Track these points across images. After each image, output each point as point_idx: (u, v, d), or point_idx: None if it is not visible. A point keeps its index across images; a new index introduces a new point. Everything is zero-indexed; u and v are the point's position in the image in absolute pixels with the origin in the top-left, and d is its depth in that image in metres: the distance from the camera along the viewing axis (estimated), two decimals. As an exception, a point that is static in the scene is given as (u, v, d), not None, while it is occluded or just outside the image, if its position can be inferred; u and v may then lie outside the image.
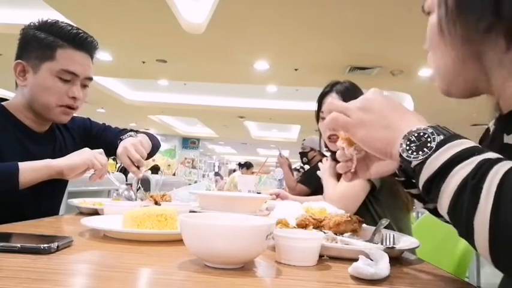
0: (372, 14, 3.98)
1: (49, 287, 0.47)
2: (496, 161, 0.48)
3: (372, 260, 0.61)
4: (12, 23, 4.69)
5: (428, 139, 0.54)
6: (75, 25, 1.27)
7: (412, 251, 0.89)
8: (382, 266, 0.58)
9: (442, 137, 0.54)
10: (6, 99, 1.31)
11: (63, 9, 4.20)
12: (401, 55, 5.09)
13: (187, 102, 9.01)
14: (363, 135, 0.64)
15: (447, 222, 0.80)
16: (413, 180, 0.60)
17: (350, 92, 1.59)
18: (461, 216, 0.48)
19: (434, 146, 0.53)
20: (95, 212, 1.19)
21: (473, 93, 0.69)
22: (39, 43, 1.21)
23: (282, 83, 7.08)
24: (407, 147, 0.56)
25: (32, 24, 1.25)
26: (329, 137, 1.59)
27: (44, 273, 0.53)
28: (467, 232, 0.48)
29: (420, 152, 0.54)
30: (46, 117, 1.28)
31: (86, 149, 1.24)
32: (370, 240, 0.82)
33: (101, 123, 1.58)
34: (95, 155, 1.20)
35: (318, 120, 1.68)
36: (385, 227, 0.91)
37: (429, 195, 0.54)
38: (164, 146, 13.94)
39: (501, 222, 0.44)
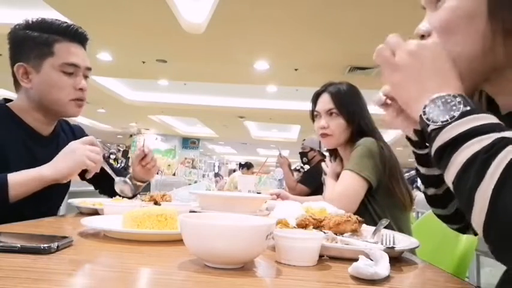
0: (372, 14, 3.98)
1: (49, 287, 0.47)
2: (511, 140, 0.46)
3: (372, 260, 0.61)
4: (12, 23, 4.66)
5: (454, 107, 0.53)
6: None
7: (412, 251, 0.89)
8: (382, 266, 0.58)
9: (468, 108, 0.52)
10: (11, 100, 1.31)
11: (63, 9, 4.20)
12: (402, 55, 5.08)
13: (187, 102, 9.00)
14: (396, 78, 0.61)
15: (428, 201, 0.80)
16: (427, 144, 0.58)
17: (342, 94, 1.62)
18: (464, 188, 0.48)
19: (457, 115, 0.52)
20: (95, 212, 1.19)
21: (476, 86, 0.66)
22: (34, 42, 1.21)
23: (282, 83, 7.08)
24: (431, 110, 0.55)
25: (17, 26, 1.25)
26: (321, 135, 1.63)
27: (44, 273, 0.53)
28: (467, 205, 0.48)
29: (441, 118, 0.53)
30: (59, 113, 1.28)
31: (74, 146, 1.14)
32: (370, 240, 0.82)
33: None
34: (86, 154, 1.13)
35: (313, 120, 1.70)
36: (385, 227, 0.91)
37: (440, 162, 0.53)
38: (164, 146, 13.95)
39: (500, 202, 0.44)
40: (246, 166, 8.60)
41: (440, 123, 0.53)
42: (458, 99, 0.54)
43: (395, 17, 3.97)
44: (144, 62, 6.02)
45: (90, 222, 0.83)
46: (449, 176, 0.51)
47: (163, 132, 13.67)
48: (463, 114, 0.52)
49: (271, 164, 11.96)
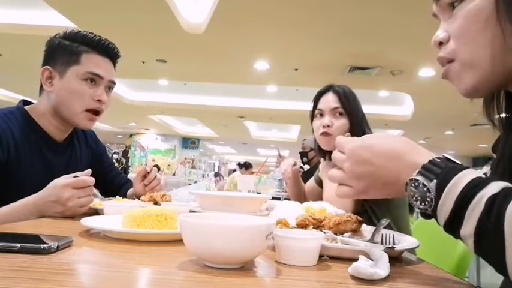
0: (372, 14, 3.98)
1: (49, 287, 0.47)
2: (505, 196, 0.47)
3: (372, 260, 0.61)
4: (12, 23, 4.69)
5: (424, 189, 0.54)
6: (77, 26, 1.30)
7: (412, 251, 0.89)
8: (382, 266, 0.58)
9: (435, 181, 0.53)
10: (30, 103, 1.34)
11: (63, 9, 4.19)
12: (401, 55, 5.09)
13: (187, 102, 9.00)
14: (362, 187, 0.64)
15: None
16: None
17: (348, 95, 1.62)
18: (491, 257, 0.49)
19: (433, 197, 0.53)
20: (95, 212, 1.19)
21: (499, 88, 0.67)
22: (64, 50, 1.27)
23: (282, 83, 7.08)
24: (415, 199, 0.56)
25: (57, 34, 1.31)
26: (322, 134, 1.61)
27: (44, 273, 0.52)
28: (502, 270, 0.49)
29: (426, 203, 0.55)
30: (71, 122, 1.30)
31: (65, 195, 1.03)
32: (370, 240, 0.82)
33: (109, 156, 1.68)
34: (79, 204, 1.06)
35: (312, 119, 1.69)
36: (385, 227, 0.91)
37: (455, 236, 0.54)
38: (164, 146, 13.95)
39: None
40: (245, 166, 8.61)
41: (430, 209, 0.55)
42: (420, 178, 0.55)
43: (395, 17, 3.98)
44: (144, 62, 6.02)
45: (90, 222, 0.83)
46: (471, 247, 0.52)
47: (163, 132, 13.67)
48: (438, 191, 0.53)
49: (271, 164, 11.96)
